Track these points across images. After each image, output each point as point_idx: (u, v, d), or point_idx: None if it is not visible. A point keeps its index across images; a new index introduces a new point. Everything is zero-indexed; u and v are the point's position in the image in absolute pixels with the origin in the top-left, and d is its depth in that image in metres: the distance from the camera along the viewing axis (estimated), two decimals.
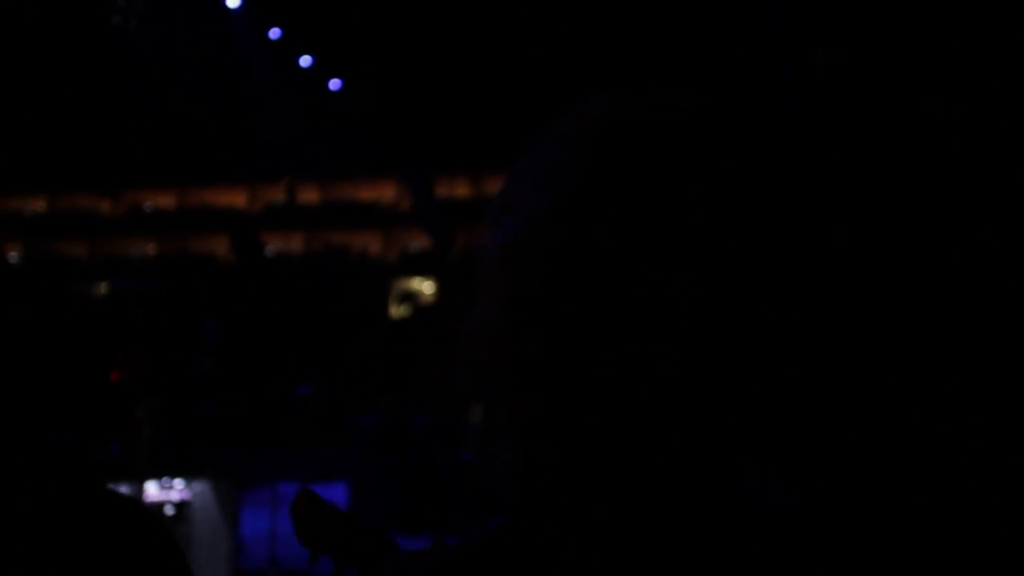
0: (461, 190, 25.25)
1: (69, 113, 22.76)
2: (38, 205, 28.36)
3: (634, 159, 0.67)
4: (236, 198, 26.23)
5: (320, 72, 21.42)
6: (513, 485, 0.70)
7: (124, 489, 3.67)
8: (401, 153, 15.58)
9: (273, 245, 25.70)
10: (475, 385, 0.72)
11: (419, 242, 23.63)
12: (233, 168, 25.11)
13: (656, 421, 0.65)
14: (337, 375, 13.58)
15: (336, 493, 9.87)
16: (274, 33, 19.76)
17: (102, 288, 21.20)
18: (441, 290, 19.90)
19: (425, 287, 21.35)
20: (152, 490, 3.94)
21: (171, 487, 4.07)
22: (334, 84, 21.62)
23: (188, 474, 4.20)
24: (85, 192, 27.24)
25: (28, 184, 27.18)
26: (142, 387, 3.58)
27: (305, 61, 20.64)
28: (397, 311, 18.35)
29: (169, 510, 4.07)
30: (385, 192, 26.14)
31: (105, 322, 3.70)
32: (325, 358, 14.36)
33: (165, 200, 27.38)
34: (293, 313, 17.45)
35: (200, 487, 4.24)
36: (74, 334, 3.65)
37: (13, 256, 28.19)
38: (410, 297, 19.39)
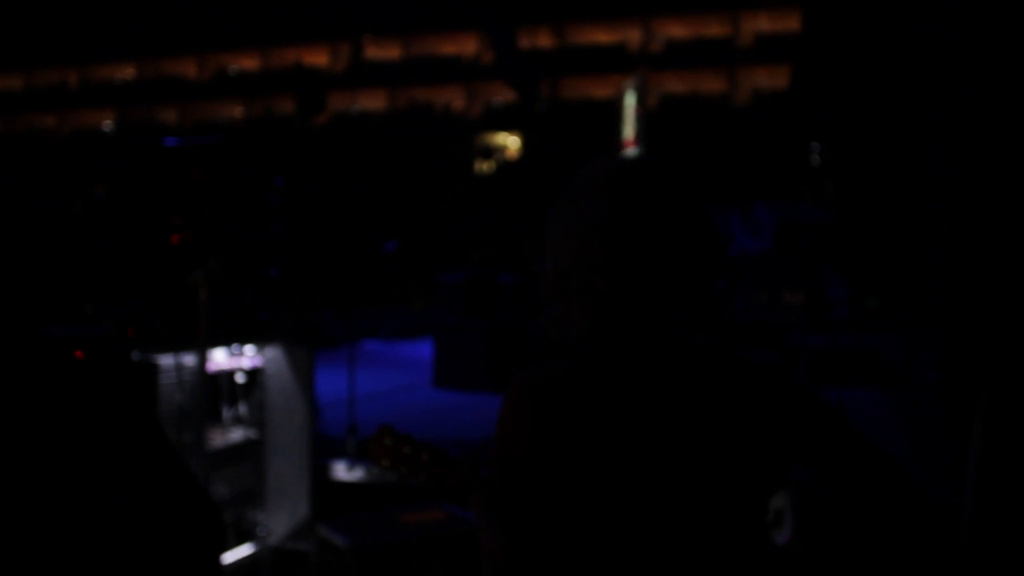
0: (544, 40, 24.48)
1: None
2: (127, 72, 28.52)
3: (634, 193, 1.35)
4: (319, 58, 25.92)
5: None
6: (579, 340, 1.34)
7: (188, 358, 3.56)
8: (482, 5, 15.02)
9: (358, 103, 25.44)
10: (557, 294, 1.36)
11: (503, 96, 23.12)
12: (315, 27, 24.75)
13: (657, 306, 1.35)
14: (422, 231, 13.45)
15: (422, 349, 9.87)
16: None
17: None
18: (526, 143, 19.50)
19: (510, 141, 20.96)
20: (220, 357, 3.81)
21: (241, 354, 3.94)
22: None
23: (259, 340, 4.05)
24: (172, 57, 27.26)
25: (117, 52, 27.30)
26: (202, 250, 3.38)
27: None
28: (482, 166, 18.07)
29: (240, 378, 3.96)
30: (467, 46, 25.53)
31: (161, 183, 3.48)
32: (410, 215, 14.22)
33: (249, 63, 27.24)
34: (378, 170, 17.28)
35: (273, 352, 4.10)
36: (132, 198, 3.46)
37: (108, 124, 28.59)
38: (494, 151, 19.05)
